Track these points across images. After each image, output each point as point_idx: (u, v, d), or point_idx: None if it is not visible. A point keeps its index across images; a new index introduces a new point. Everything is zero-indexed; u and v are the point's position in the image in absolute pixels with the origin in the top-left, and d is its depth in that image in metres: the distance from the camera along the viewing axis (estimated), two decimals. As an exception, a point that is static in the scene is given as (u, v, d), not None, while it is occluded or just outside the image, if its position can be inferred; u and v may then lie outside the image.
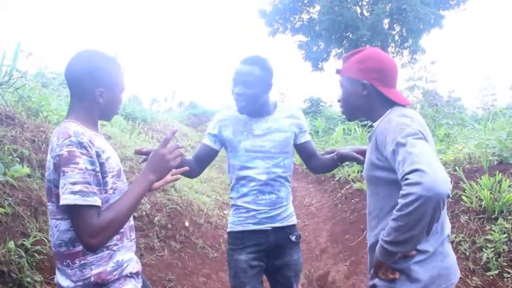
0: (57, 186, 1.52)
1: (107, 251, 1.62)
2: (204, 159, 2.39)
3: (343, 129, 10.43)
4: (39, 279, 2.71)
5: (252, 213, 2.31)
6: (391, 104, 1.67)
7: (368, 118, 1.75)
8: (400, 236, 1.39)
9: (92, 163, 1.52)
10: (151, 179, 1.62)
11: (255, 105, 2.26)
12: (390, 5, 17.15)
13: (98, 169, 1.55)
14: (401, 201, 1.35)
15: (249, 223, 2.31)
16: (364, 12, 18.31)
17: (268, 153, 2.30)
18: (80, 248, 1.56)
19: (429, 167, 1.31)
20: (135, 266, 1.74)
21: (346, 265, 4.10)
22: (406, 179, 1.34)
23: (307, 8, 19.54)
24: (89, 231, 1.47)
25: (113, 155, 1.70)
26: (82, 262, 1.57)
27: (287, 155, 2.36)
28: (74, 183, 1.46)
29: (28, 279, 2.61)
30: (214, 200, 6.10)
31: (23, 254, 2.71)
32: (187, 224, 4.66)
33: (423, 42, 18.41)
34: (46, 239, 2.96)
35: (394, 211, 1.38)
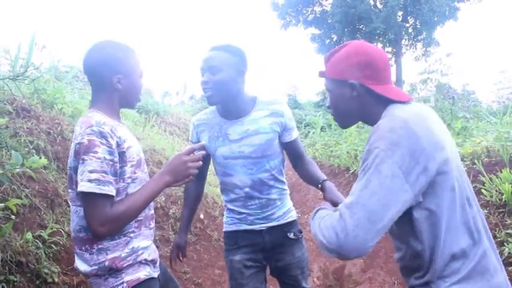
0: (76, 173, 1.55)
1: (124, 238, 1.66)
2: (200, 170, 2.05)
3: (357, 122, 10.34)
4: (56, 270, 2.71)
5: (244, 215, 2.19)
6: (388, 102, 1.41)
7: (365, 122, 1.52)
8: (314, 237, 1.36)
9: (111, 153, 1.55)
10: (167, 180, 1.65)
11: (224, 94, 2.02)
12: (404, -4, 16.95)
13: (116, 159, 1.58)
14: (325, 228, 1.27)
15: (242, 223, 2.20)
16: (378, 4, 18.14)
17: (249, 159, 2.10)
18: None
19: (354, 228, 1.19)
20: (151, 254, 1.76)
21: (363, 258, 4.05)
22: (336, 218, 1.25)
23: (320, 1, 19.44)
24: (99, 219, 1.51)
25: (135, 145, 1.72)
26: (99, 247, 1.62)
27: (271, 157, 2.14)
28: (91, 171, 1.50)
29: (45, 270, 2.62)
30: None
31: (40, 245, 2.71)
32: (202, 216, 4.65)
33: (437, 34, 18.24)
34: (63, 230, 2.96)
35: (323, 225, 1.30)
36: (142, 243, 1.72)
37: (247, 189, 2.13)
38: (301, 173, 2.28)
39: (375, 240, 1.20)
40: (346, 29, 18.25)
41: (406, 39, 18.97)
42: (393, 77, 18.56)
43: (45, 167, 3.40)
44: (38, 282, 2.56)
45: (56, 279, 2.66)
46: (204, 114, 2.23)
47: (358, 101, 1.45)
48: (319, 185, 2.09)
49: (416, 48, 19.20)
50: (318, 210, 1.50)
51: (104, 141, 1.54)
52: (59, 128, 4.02)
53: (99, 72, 1.67)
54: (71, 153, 1.60)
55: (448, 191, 1.26)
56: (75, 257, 1.70)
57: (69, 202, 1.66)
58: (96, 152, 1.51)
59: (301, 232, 2.28)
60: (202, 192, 2.39)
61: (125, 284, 1.63)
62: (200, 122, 2.21)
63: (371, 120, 1.46)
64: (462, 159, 4.49)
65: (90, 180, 1.49)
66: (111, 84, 1.68)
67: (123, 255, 1.64)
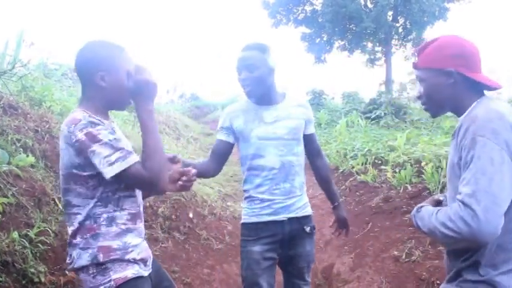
0: (85, 170, 1.61)
1: (116, 228, 1.69)
2: (221, 154, 2.37)
3: (347, 121, 10.39)
4: (43, 269, 2.69)
5: (267, 203, 2.28)
6: (479, 93, 1.54)
7: (454, 111, 1.60)
8: (429, 233, 1.48)
9: (111, 132, 1.61)
10: (151, 109, 1.72)
11: (261, 88, 2.26)
12: (394, -4, 17.02)
13: (118, 135, 1.64)
14: (446, 220, 1.35)
15: (263, 214, 2.29)
16: (368, 4, 18.21)
17: (281, 140, 2.28)
18: (95, 224, 1.66)
19: (484, 213, 1.28)
20: (141, 252, 1.77)
21: (351, 257, 4.07)
22: (460, 208, 1.32)
23: (311, 0, 19.43)
24: (150, 179, 1.59)
25: (124, 139, 1.73)
26: (96, 232, 1.66)
27: (299, 142, 2.36)
28: (108, 156, 1.55)
29: (32, 270, 2.59)
30: (217, 192, 6.08)
31: (27, 245, 2.69)
32: (191, 215, 4.64)
33: (427, 35, 18.29)
34: (50, 229, 2.94)
35: (441, 218, 1.39)
36: (134, 240, 1.74)
37: (275, 172, 2.27)
38: (318, 174, 2.54)
39: (502, 221, 1.30)
40: (336, 28, 18.31)
41: (396, 39, 19.08)
42: (383, 76, 18.69)
43: (32, 165, 3.38)
44: (24, 282, 2.54)
45: (43, 279, 2.64)
46: (238, 105, 2.42)
47: (453, 88, 1.54)
48: (336, 204, 2.53)
49: (406, 48, 19.32)
50: (420, 208, 1.59)
51: (99, 127, 1.58)
52: (47, 126, 3.99)
53: (84, 69, 1.70)
54: (67, 155, 1.63)
55: None
56: (70, 249, 1.72)
57: (75, 197, 1.70)
58: (99, 140, 1.56)
59: (314, 228, 2.44)
60: (217, 171, 2.44)
61: (112, 282, 1.64)
62: (234, 109, 2.38)
63: (461, 109, 1.55)
64: (450, 159, 4.52)
65: (112, 163, 1.55)
66: (95, 81, 1.68)
67: (114, 246, 1.67)
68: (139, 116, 1.69)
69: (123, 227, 1.71)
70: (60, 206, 3.20)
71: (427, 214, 1.49)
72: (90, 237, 1.66)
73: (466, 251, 1.47)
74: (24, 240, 2.69)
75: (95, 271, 1.65)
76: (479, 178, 1.31)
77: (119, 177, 1.58)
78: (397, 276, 3.41)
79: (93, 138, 1.56)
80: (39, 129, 3.87)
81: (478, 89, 1.54)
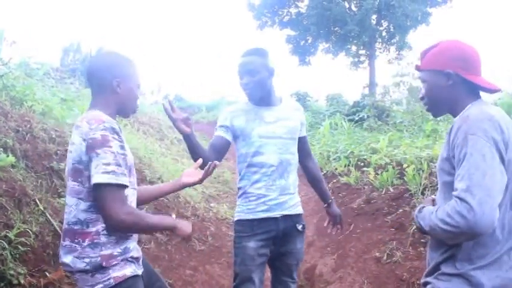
0: (87, 168, 1.65)
1: (119, 236, 1.74)
2: (219, 150, 2.42)
3: (330, 123, 10.46)
4: (22, 271, 2.65)
5: (262, 199, 2.36)
6: (475, 96, 1.62)
7: (450, 112, 1.68)
8: (430, 231, 1.52)
9: (122, 147, 1.69)
10: (175, 226, 1.84)
11: (262, 91, 2.38)
12: (378, 0, 17.18)
13: (126, 153, 1.72)
14: (445, 216, 1.41)
15: (258, 211, 2.37)
16: (353, 7, 18.34)
17: (280, 139, 2.40)
18: (93, 229, 1.69)
19: (480, 206, 1.34)
20: (135, 252, 1.83)
21: (333, 258, 4.11)
22: (457, 204, 1.38)
23: (296, 2, 19.53)
24: (123, 209, 1.62)
25: (129, 150, 1.82)
26: (95, 241, 1.69)
27: (295, 142, 2.49)
28: (107, 164, 1.60)
29: (11, 272, 2.56)
30: (200, 193, 6.07)
31: (6, 246, 2.65)
32: (174, 216, 4.60)
33: (410, 38, 18.53)
34: (30, 230, 2.90)
35: (440, 215, 1.45)
36: (132, 244, 1.81)
37: (273, 168, 2.37)
38: (310, 174, 2.67)
39: (497, 213, 1.37)
40: (321, 31, 18.41)
41: (379, 42, 19.24)
42: (367, 79, 18.84)
43: (13, 166, 3.33)
44: (2, 284, 2.50)
45: (22, 281, 2.60)
46: (239, 105, 2.52)
47: (451, 90, 1.62)
48: (330, 201, 2.68)
49: (389, 52, 19.49)
50: (421, 208, 1.63)
51: (116, 137, 1.66)
52: (28, 126, 3.94)
53: (100, 75, 1.80)
54: (79, 148, 1.67)
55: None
56: (61, 252, 1.75)
57: (69, 194, 1.73)
58: (110, 147, 1.62)
59: (305, 227, 2.55)
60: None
61: (111, 280, 1.68)
62: (235, 109, 2.47)
63: (457, 110, 1.62)
64: (431, 161, 4.59)
65: (107, 172, 1.59)
66: (111, 87, 1.80)
67: (115, 253, 1.71)
68: (169, 218, 1.92)
69: (122, 234, 1.76)
70: (41, 206, 3.16)
71: (427, 213, 1.55)
72: (87, 246, 1.68)
73: (445, 245, 1.53)
74: (3, 242, 2.65)
75: (94, 271, 1.69)
76: (473, 173, 1.38)
77: (103, 188, 1.61)
78: (378, 277, 3.45)
79: (105, 143, 1.62)
80: (20, 129, 3.82)
81: (475, 92, 1.62)
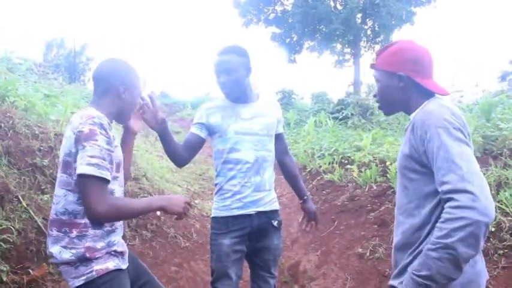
0: (75, 161, 1.70)
1: (105, 229, 1.80)
2: (192, 147, 2.44)
3: (315, 121, 10.51)
4: (5, 268, 2.64)
5: (237, 196, 2.38)
6: (428, 95, 1.63)
7: (404, 111, 1.71)
8: (451, 265, 1.34)
9: (108, 143, 1.74)
10: (163, 204, 1.86)
11: (239, 89, 2.39)
12: (363, -1, 17.27)
13: (112, 149, 1.76)
14: (447, 226, 1.32)
15: (233, 208, 2.38)
16: (338, 6, 18.43)
17: (256, 136, 2.41)
18: (81, 221, 1.74)
19: (481, 191, 1.31)
20: (120, 247, 1.87)
21: (317, 255, 4.15)
22: (453, 199, 1.33)
23: (281, 0, 19.52)
24: (101, 201, 1.66)
25: (119, 146, 1.90)
26: (83, 233, 1.74)
27: (271, 139, 2.50)
28: (91, 157, 1.66)
29: (-6, 269, 2.54)
30: (185, 190, 6.07)
31: (-11, 243, 2.63)
32: (158, 213, 4.61)
33: (395, 37, 18.67)
34: (13, 227, 2.88)
35: (437, 239, 1.34)
36: (117, 238, 1.87)
37: (249, 165, 2.38)
38: (287, 171, 2.68)
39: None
40: (306, 29, 18.46)
41: (364, 41, 19.38)
42: (351, 78, 18.96)
43: (-5, 162, 3.29)
44: (-15, 281, 2.49)
45: (5, 278, 2.59)
46: (215, 102, 2.52)
47: (403, 91, 1.65)
48: (305, 197, 2.66)
49: (374, 50, 19.60)
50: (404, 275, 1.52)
51: (103, 132, 1.72)
52: (10, 122, 3.89)
53: (108, 79, 1.89)
54: (68, 141, 1.74)
55: None
56: (49, 241, 1.79)
57: (58, 186, 1.78)
58: (96, 140, 1.68)
59: (281, 223, 2.56)
60: (186, 161, 2.49)
61: (94, 273, 1.73)
62: (211, 106, 2.47)
63: (410, 109, 1.66)
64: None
65: (90, 164, 1.65)
66: (117, 92, 1.89)
67: (98, 246, 1.76)
68: (152, 197, 1.87)
69: (109, 228, 1.82)
70: (24, 203, 3.14)
71: (422, 259, 1.41)
72: (76, 237, 1.73)
73: (414, 243, 1.54)
74: (-15, 239, 2.64)
75: (78, 264, 1.73)
76: (459, 162, 1.37)
77: (84, 180, 1.67)
78: (361, 273, 3.50)
79: (92, 136, 1.68)
80: (2, 125, 3.77)
81: (427, 93, 1.63)
